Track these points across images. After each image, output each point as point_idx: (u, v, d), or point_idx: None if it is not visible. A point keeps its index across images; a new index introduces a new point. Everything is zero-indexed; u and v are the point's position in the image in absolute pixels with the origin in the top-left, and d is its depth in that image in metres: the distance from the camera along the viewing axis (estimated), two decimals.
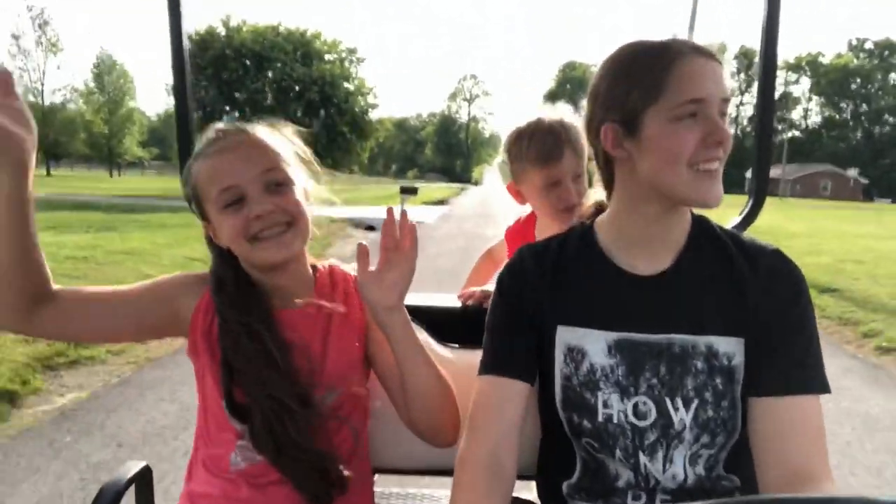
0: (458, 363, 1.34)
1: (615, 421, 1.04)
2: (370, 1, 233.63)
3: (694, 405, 1.02)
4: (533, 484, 1.31)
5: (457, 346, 1.45)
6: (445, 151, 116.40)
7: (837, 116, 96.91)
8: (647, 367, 1.04)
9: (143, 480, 1.28)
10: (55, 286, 1.14)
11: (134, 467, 1.27)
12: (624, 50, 1.03)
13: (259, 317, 1.18)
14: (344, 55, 35.03)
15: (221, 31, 32.30)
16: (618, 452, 1.05)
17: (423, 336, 1.35)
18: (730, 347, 1.02)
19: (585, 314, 1.07)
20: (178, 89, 1.58)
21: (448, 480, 1.07)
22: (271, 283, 1.24)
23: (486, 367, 1.11)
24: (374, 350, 1.28)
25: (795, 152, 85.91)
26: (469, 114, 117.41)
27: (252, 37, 32.02)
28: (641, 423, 1.04)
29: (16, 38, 54.63)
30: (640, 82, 0.99)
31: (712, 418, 1.02)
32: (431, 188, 39.98)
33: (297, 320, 1.24)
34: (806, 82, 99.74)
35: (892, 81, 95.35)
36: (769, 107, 1.58)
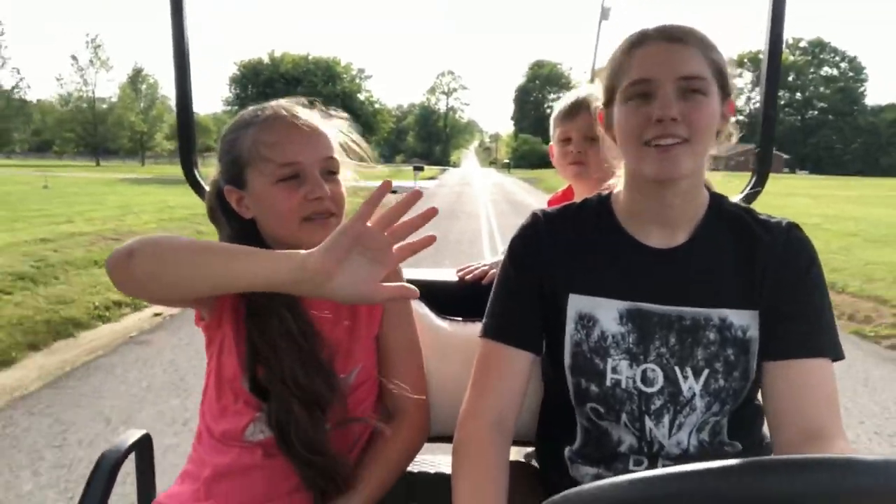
0: (458, 336, 1.36)
1: (623, 386, 1.05)
2: (356, 4, 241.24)
3: (704, 374, 1.02)
4: (527, 450, 1.36)
5: (457, 319, 1.44)
6: (426, 138, 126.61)
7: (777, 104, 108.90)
8: (657, 337, 1.04)
9: (143, 448, 1.27)
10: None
11: (134, 435, 1.24)
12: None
13: (285, 298, 1.07)
14: (355, 74, 46.13)
15: (266, 59, 43.12)
16: (623, 416, 1.05)
17: (422, 310, 1.40)
18: (744, 320, 1.02)
19: (598, 283, 1.07)
20: (180, 85, 1.58)
21: (442, 447, 1.13)
22: None
23: (491, 331, 1.11)
24: (386, 328, 1.27)
25: (748, 133, 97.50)
26: (447, 105, 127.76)
27: (291, 64, 42.29)
28: (648, 389, 1.04)
29: (75, 58, 67.06)
30: (612, 68, 1.05)
31: (724, 388, 1.02)
32: (421, 173, 51.27)
33: (320, 305, 1.19)
34: (748, 76, 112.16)
35: (821, 74, 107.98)
36: (773, 87, 1.57)
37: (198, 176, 1.64)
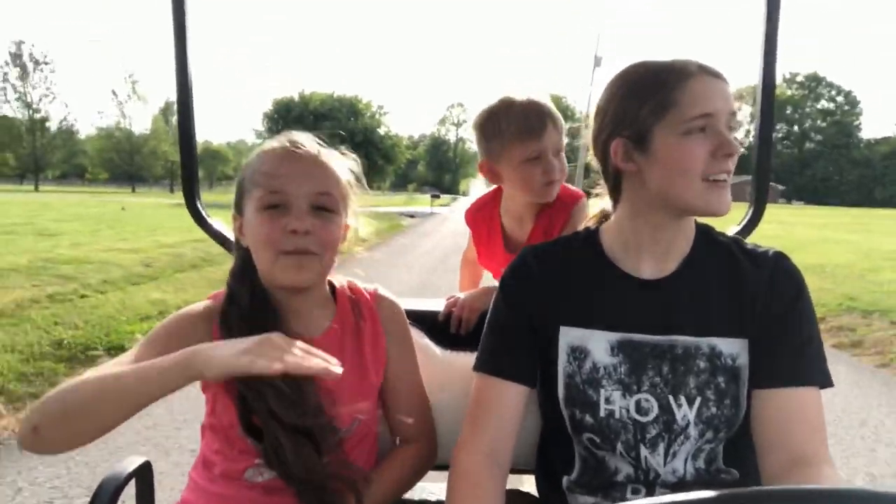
0: (456, 366, 1.35)
1: (617, 416, 1.05)
2: (369, 40, 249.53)
3: (697, 403, 1.03)
4: (529, 478, 1.35)
5: (455, 349, 1.43)
6: (436, 168, 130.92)
7: (774, 137, 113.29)
8: (649, 367, 1.04)
9: (144, 475, 1.26)
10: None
11: (134, 462, 1.23)
12: (634, 69, 1.05)
13: None
14: (374, 110, 50.67)
15: (296, 97, 47.84)
16: (619, 446, 1.06)
17: (423, 340, 1.39)
18: (734, 349, 1.04)
19: (588, 315, 1.08)
20: (183, 117, 1.57)
21: (443, 475, 1.10)
22: (288, 303, 1.17)
23: (485, 366, 1.12)
24: (391, 378, 1.24)
25: (739, 166, 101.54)
26: (457, 135, 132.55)
27: (319, 102, 46.77)
28: (643, 419, 1.04)
29: (115, 94, 73.23)
30: (651, 99, 1.01)
31: (715, 415, 1.03)
32: (430, 201, 55.82)
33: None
34: (747, 109, 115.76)
35: (817, 108, 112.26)
36: (769, 118, 1.58)
37: (199, 205, 1.63)
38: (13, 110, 68.55)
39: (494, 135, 1.56)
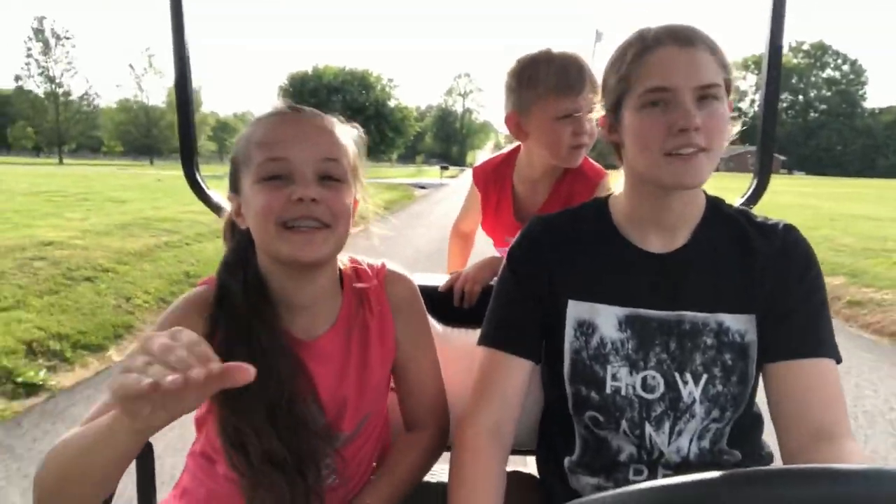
0: (461, 344, 1.35)
1: (623, 393, 1.04)
2: (376, 9, 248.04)
3: (703, 380, 1.02)
4: (531, 459, 1.33)
5: (457, 325, 1.42)
6: (443, 139, 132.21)
7: (778, 106, 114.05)
8: (656, 342, 1.03)
9: (144, 456, 1.25)
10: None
11: None
12: (626, 39, 1.03)
13: (268, 344, 1.00)
14: (385, 83, 52.48)
15: (310, 71, 49.70)
16: (623, 424, 1.05)
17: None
18: (741, 325, 1.02)
19: (596, 289, 1.06)
20: (179, 80, 1.54)
21: (448, 455, 1.08)
22: (292, 296, 1.07)
23: (490, 339, 1.11)
24: (402, 364, 1.19)
25: (744, 135, 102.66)
26: (463, 106, 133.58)
27: (332, 76, 48.50)
28: (649, 396, 1.03)
29: (132, 67, 76.11)
30: (617, 72, 1.01)
31: (722, 393, 1.02)
32: (439, 172, 57.86)
33: (326, 349, 1.08)
34: (752, 78, 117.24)
35: (823, 77, 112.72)
36: (774, 88, 1.56)
37: (197, 177, 1.60)
38: (36, 85, 71.00)
39: (530, 85, 1.47)
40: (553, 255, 1.11)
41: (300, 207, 0.98)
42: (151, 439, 1.07)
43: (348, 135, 1.10)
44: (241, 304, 1.03)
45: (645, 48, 0.99)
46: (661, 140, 0.97)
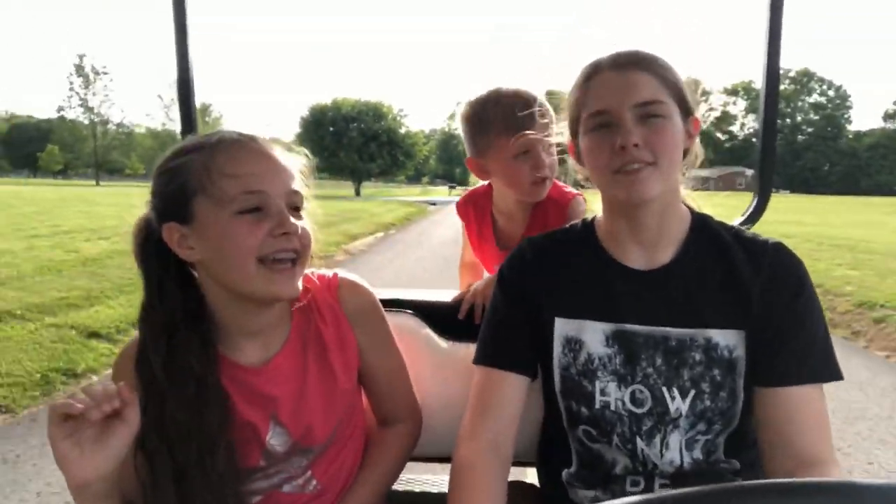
0: (459, 357, 1.35)
1: (612, 408, 1.06)
2: (378, 38, 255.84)
3: (691, 395, 1.03)
4: (532, 470, 1.34)
5: (458, 339, 1.43)
6: (447, 161, 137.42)
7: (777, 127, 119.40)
8: (643, 357, 1.04)
9: None
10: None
11: None
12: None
13: (207, 387, 0.99)
14: (396, 113, 57.86)
15: (328, 103, 55.24)
16: (615, 439, 1.06)
17: (424, 331, 1.40)
18: (730, 340, 1.03)
19: (583, 306, 1.09)
20: (184, 109, 1.59)
21: (445, 467, 1.11)
22: (244, 324, 1.06)
23: (485, 358, 1.13)
24: (369, 372, 1.20)
25: (735, 157, 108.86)
26: None
27: (349, 107, 53.23)
28: (638, 410, 1.04)
29: (161, 97, 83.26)
30: (573, 100, 1.07)
31: (709, 408, 1.03)
32: (447, 191, 63.20)
33: (281, 369, 1.08)
34: (742, 103, 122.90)
35: (809, 102, 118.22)
36: (772, 108, 1.60)
37: None
38: (76, 115, 78.71)
39: (481, 129, 1.48)
40: (541, 274, 1.13)
41: (281, 241, 0.97)
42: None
43: (297, 162, 1.08)
44: (186, 338, 0.99)
45: (588, 76, 1.04)
46: (607, 160, 1.00)
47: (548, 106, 1.45)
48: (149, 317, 1.03)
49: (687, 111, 1.05)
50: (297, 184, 1.05)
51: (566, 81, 1.12)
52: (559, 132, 1.20)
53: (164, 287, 1.03)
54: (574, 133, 1.10)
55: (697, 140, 1.10)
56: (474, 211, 1.75)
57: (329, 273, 1.19)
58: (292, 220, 1.00)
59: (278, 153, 1.05)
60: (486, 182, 1.68)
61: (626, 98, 0.99)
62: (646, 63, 1.02)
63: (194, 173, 0.99)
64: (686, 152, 1.09)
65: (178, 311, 1.01)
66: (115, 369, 1.07)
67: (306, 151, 1.13)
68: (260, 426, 1.07)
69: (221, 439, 1.00)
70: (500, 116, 1.46)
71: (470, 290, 1.48)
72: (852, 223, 21.43)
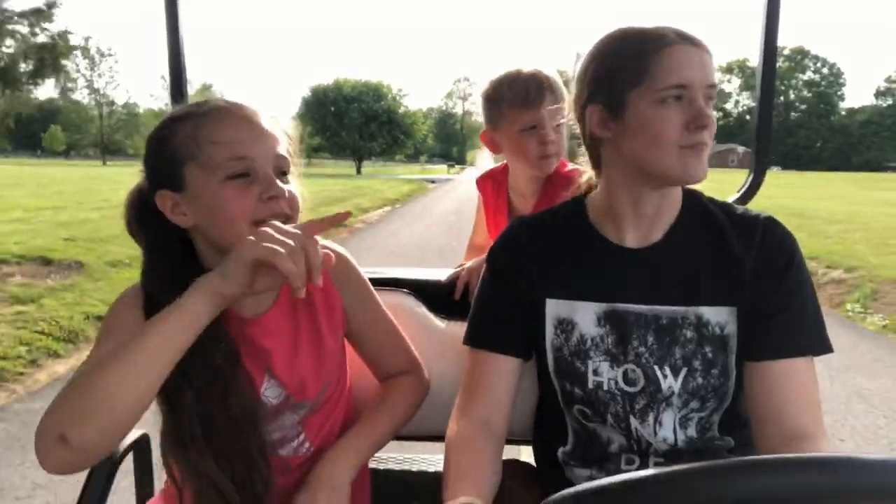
0: (455, 336, 1.31)
1: (605, 388, 1.06)
2: (376, 16, 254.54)
3: (683, 373, 1.03)
4: (528, 448, 1.34)
5: (454, 318, 1.43)
6: (444, 140, 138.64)
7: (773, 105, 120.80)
8: (634, 336, 1.05)
9: (141, 448, 1.26)
10: None
11: (132, 435, 1.22)
12: (614, 34, 1.04)
13: (218, 339, 1.01)
14: (395, 93, 59.45)
15: (330, 84, 56.69)
16: (609, 418, 1.07)
17: (420, 310, 1.42)
18: (721, 317, 1.03)
19: (574, 286, 1.08)
20: (175, 90, 1.57)
21: (441, 446, 1.10)
22: None
23: (475, 339, 1.13)
24: (358, 331, 1.23)
25: (728, 134, 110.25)
26: (463, 108, 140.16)
27: (350, 87, 54.64)
28: (631, 389, 1.05)
29: (164, 78, 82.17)
30: (627, 66, 1.00)
31: (702, 385, 1.03)
32: (445, 169, 64.89)
33: (274, 325, 1.11)
34: (736, 81, 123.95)
35: (803, 79, 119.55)
36: (769, 87, 1.59)
37: None
38: (83, 97, 79.38)
39: (495, 102, 1.58)
40: (532, 254, 1.12)
41: (271, 206, 1.00)
42: (149, 431, 1.22)
43: (282, 127, 1.10)
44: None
45: (661, 43, 0.98)
46: (677, 134, 0.97)
47: (563, 88, 1.53)
48: (152, 272, 1.06)
49: None
50: (283, 148, 1.06)
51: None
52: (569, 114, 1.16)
53: (163, 245, 1.06)
54: (613, 102, 1.02)
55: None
56: (492, 185, 1.83)
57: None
58: (280, 184, 1.02)
59: (263, 119, 1.05)
60: (504, 162, 1.78)
61: (704, 76, 0.97)
62: (706, 44, 1.00)
63: (183, 141, 1.01)
64: None
65: (178, 266, 1.05)
66: (114, 316, 1.06)
67: (292, 116, 1.45)
68: (255, 377, 1.09)
69: (234, 385, 1.03)
70: (514, 91, 1.54)
71: (464, 269, 1.51)
72: (822, 196, 23.01)
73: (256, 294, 1.01)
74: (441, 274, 1.55)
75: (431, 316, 1.43)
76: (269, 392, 1.13)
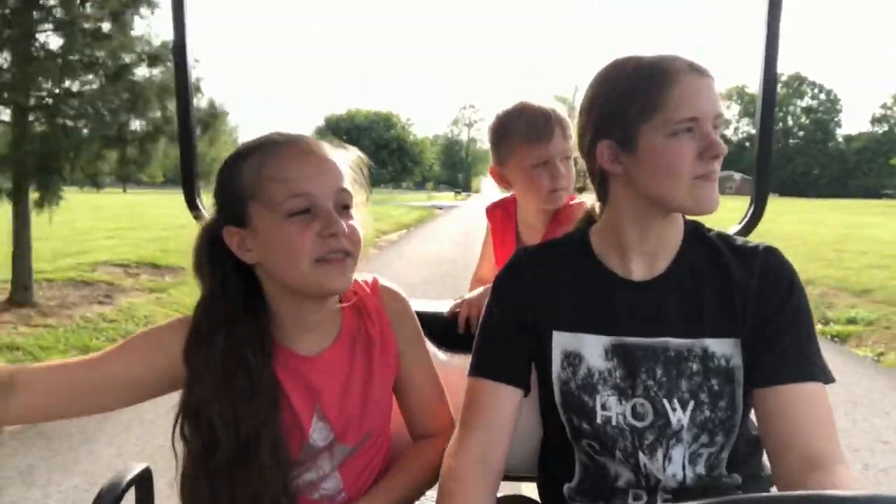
0: (457, 368, 1.33)
1: (614, 423, 1.05)
2: (382, 47, 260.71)
3: (690, 406, 1.03)
4: (534, 485, 1.32)
5: (455, 351, 1.43)
6: (450, 167, 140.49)
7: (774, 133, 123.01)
8: (643, 370, 1.04)
9: (144, 482, 1.26)
10: (14, 369, 1.01)
11: (134, 469, 1.23)
12: (620, 66, 1.04)
13: (264, 373, 1.04)
14: (404, 122, 63.04)
15: (343, 114, 60.05)
16: (617, 453, 1.06)
17: (428, 346, 1.36)
18: (726, 349, 1.03)
19: (581, 319, 1.08)
20: (182, 113, 1.60)
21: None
22: (301, 319, 1.11)
23: (478, 370, 1.12)
24: (404, 378, 1.21)
25: (728, 161, 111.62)
26: (468, 136, 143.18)
27: (362, 117, 58.53)
28: (640, 424, 1.04)
29: None
30: (637, 99, 1.00)
31: (710, 419, 1.03)
32: (452, 196, 67.80)
33: (331, 362, 1.12)
34: (735, 108, 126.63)
35: (801, 105, 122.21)
36: (769, 116, 1.61)
37: (198, 201, 1.66)
38: None
39: (504, 139, 1.61)
40: (537, 286, 1.12)
41: (332, 242, 1.01)
42: (150, 463, 1.25)
43: (345, 156, 1.11)
44: (249, 326, 1.05)
45: (672, 75, 0.99)
46: (690, 165, 0.98)
47: (569, 121, 1.57)
48: (210, 307, 1.07)
49: None
50: (346, 181, 1.06)
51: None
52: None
53: (227, 280, 1.07)
54: (624, 136, 1.02)
55: None
56: (502, 214, 1.85)
57: (369, 277, 1.23)
58: (340, 219, 1.02)
59: (326, 152, 1.07)
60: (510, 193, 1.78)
61: (712, 107, 0.99)
62: (710, 73, 1.01)
63: (247, 179, 1.04)
64: None
65: (239, 303, 1.06)
66: (158, 332, 1.10)
67: (357, 150, 1.16)
68: (305, 417, 1.09)
69: (267, 431, 1.03)
70: (522, 128, 1.57)
71: (465, 301, 1.52)
72: (805, 220, 24.40)
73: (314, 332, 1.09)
74: (443, 306, 1.55)
75: (433, 348, 1.37)
76: (317, 434, 1.12)
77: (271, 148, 1.06)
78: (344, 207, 1.06)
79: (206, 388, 1.03)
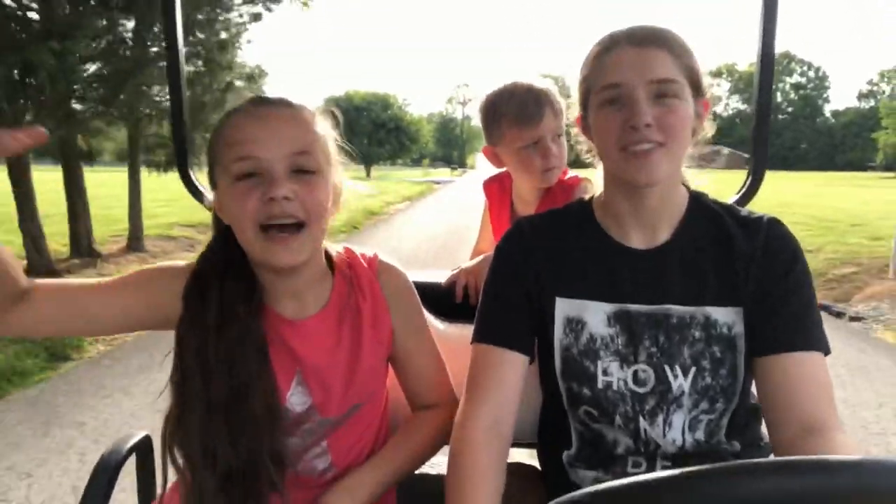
0: (454, 338, 1.34)
1: (615, 388, 1.06)
2: (377, 25, 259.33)
3: (692, 372, 1.04)
4: (534, 451, 1.34)
5: (453, 320, 1.44)
6: (445, 144, 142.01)
7: (748, 109, 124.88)
8: (645, 337, 1.05)
9: (144, 450, 1.26)
10: (30, 282, 1.03)
11: (134, 437, 1.23)
12: (599, 40, 1.05)
13: (247, 324, 1.03)
14: (401, 102, 64.60)
15: (342, 95, 61.64)
16: (617, 419, 1.06)
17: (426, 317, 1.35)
18: (728, 317, 1.04)
19: (583, 286, 1.08)
20: (174, 87, 1.61)
21: (446, 448, 1.09)
22: (278, 285, 1.10)
23: (483, 335, 1.11)
24: (402, 356, 1.20)
25: (718, 136, 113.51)
26: (463, 113, 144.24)
27: (360, 99, 59.56)
28: (641, 390, 1.05)
29: None
30: (584, 73, 1.05)
31: (711, 385, 1.04)
32: (448, 172, 69.99)
33: (314, 329, 1.11)
34: (726, 85, 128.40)
35: (790, 82, 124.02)
36: (767, 90, 1.62)
37: (192, 175, 1.66)
38: None
39: (494, 120, 1.60)
40: (539, 253, 1.12)
41: (274, 206, 0.97)
42: (151, 434, 1.23)
43: (321, 122, 1.07)
44: (234, 283, 1.04)
45: (604, 49, 1.02)
46: (616, 136, 0.99)
47: (559, 98, 1.57)
48: (210, 257, 1.09)
49: (699, 92, 1.04)
50: (306, 145, 1.01)
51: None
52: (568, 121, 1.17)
53: (228, 237, 1.07)
54: (584, 106, 1.08)
55: (706, 121, 1.09)
56: (498, 188, 1.86)
57: (370, 253, 1.21)
58: (290, 184, 0.98)
59: (291, 114, 1.03)
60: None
61: (641, 74, 0.97)
62: (662, 40, 1.00)
63: (213, 142, 1.04)
64: (694, 133, 1.06)
65: (236, 258, 1.07)
66: (158, 271, 1.11)
67: (334, 110, 1.13)
68: (283, 380, 1.08)
69: (259, 383, 1.02)
70: (513, 109, 1.55)
71: (462, 270, 1.52)
72: (784, 191, 25.82)
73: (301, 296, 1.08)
74: (440, 276, 1.56)
75: (433, 319, 1.37)
76: (295, 399, 1.11)
77: (233, 112, 1.04)
78: (303, 171, 1.01)
79: (203, 330, 1.02)
